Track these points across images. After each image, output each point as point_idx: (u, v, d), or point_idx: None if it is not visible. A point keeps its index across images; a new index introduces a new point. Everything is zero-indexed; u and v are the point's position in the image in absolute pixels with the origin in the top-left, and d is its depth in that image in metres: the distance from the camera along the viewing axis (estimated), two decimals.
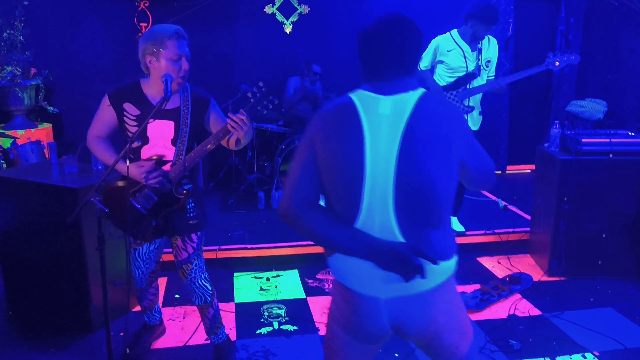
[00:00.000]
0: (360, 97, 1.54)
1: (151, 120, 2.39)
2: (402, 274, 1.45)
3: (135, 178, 2.40)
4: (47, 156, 4.50)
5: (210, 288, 2.69)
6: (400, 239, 1.49)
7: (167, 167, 2.44)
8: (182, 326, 3.20)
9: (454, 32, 4.10)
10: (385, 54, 1.53)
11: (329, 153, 1.50)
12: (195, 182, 2.58)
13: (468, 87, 4.01)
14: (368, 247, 1.47)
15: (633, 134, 3.78)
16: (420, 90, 1.53)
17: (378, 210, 1.48)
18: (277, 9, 6.15)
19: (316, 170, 1.54)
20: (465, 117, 4.09)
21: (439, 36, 4.15)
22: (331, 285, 3.75)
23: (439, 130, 1.48)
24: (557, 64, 3.85)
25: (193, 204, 2.57)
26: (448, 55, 4.10)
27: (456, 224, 4.47)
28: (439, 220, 1.52)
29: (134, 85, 2.49)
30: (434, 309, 1.55)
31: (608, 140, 3.64)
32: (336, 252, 1.57)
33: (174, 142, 2.45)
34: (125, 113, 2.45)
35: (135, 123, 2.43)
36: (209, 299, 2.70)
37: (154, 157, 2.44)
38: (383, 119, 1.48)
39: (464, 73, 4.04)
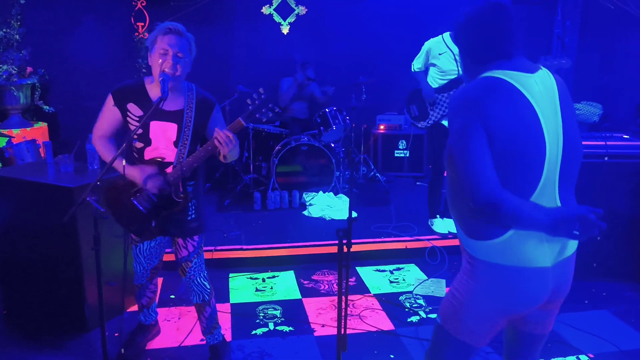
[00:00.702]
0: (511, 77, 1.56)
1: (151, 120, 2.38)
2: (572, 236, 1.47)
3: (134, 180, 2.39)
4: (42, 155, 4.49)
5: (208, 287, 2.69)
6: (559, 205, 1.61)
7: (169, 169, 2.44)
8: (177, 327, 3.19)
9: (446, 35, 4.12)
10: (511, 32, 1.62)
11: (507, 134, 1.49)
12: (197, 181, 2.58)
13: None
14: (553, 219, 1.46)
15: (628, 137, 3.79)
16: (544, 68, 1.65)
17: (550, 183, 1.58)
18: (274, 9, 6.15)
19: (490, 153, 1.50)
20: None
21: (431, 39, 4.16)
22: (327, 286, 3.74)
23: (571, 103, 1.65)
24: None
25: (195, 205, 2.57)
26: (439, 58, 4.11)
27: (439, 225, 4.48)
28: (575, 185, 1.69)
29: (139, 84, 2.47)
30: (573, 268, 1.73)
31: (603, 143, 3.65)
32: (512, 233, 1.55)
33: (176, 144, 2.43)
34: (129, 113, 2.44)
35: (139, 124, 2.42)
36: (207, 298, 2.70)
37: (158, 159, 2.43)
38: (542, 96, 1.56)
39: (456, 76, 4.05)
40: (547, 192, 1.58)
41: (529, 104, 1.53)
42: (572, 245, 1.68)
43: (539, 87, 1.57)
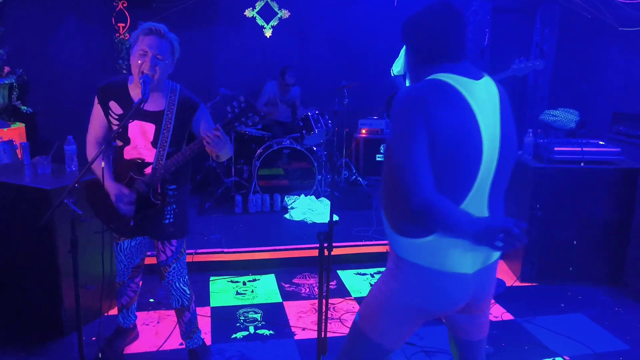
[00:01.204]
0: (457, 81, 1.54)
1: (130, 120, 2.36)
2: (494, 247, 1.45)
3: (109, 192, 2.38)
4: (20, 156, 4.41)
5: (188, 292, 2.68)
6: (487, 214, 1.61)
7: (148, 170, 2.42)
8: (156, 331, 3.16)
9: None
10: (460, 36, 1.60)
11: (448, 138, 1.48)
12: (180, 186, 2.56)
13: None
14: (478, 229, 1.43)
15: (604, 143, 3.87)
16: (488, 76, 1.66)
17: (481, 191, 1.58)
18: (257, 12, 6.15)
19: (429, 156, 1.49)
20: None
21: None
22: (308, 290, 3.75)
23: (511, 114, 1.65)
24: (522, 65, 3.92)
25: (175, 210, 2.54)
26: None
27: None
28: (504, 196, 1.70)
29: (122, 83, 2.45)
30: (495, 275, 1.75)
31: (580, 149, 3.72)
32: (437, 236, 1.55)
33: (154, 144, 2.42)
34: (110, 112, 2.42)
35: (118, 123, 2.40)
36: (186, 303, 2.68)
37: (138, 160, 2.41)
38: (484, 103, 1.56)
39: None
40: (478, 201, 1.58)
41: (471, 110, 1.52)
42: (496, 254, 1.69)
43: (483, 95, 1.57)
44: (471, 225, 1.44)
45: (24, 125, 5.43)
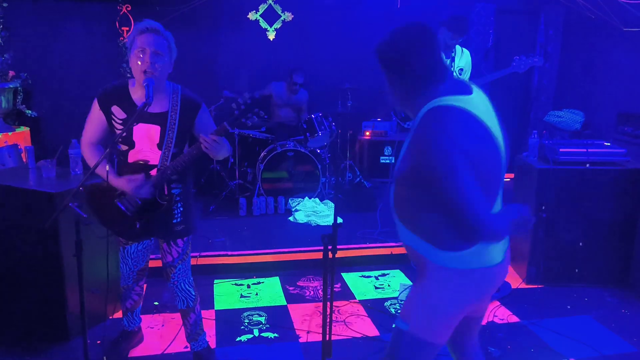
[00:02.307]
0: (462, 102, 1.60)
1: (135, 124, 2.36)
2: (523, 233, 1.66)
3: (123, 189, 2.38)
4: (24, 160, 4.42)
5: (193, 293, 2.68)
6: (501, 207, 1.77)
7: (153, 172, 2.42)
8: (160, 334, 3.16)
9: None
10: (440, 55, 1.66)
11: (479, 160, 1.58)
12: (186, 185, 2.56)
13: None
14: (514, 224, 1.62)
15: (609, 144, 3.85)
16: (474, 86, 1.73)
17: (501, 192, 1.74)
18: (260, 15, 6.16)
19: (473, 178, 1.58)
20: None
21: None
22: (312, 293, 3.74)
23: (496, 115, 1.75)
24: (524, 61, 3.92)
25: (181, 209, 2.55)
26: None
27: None
28: None
29: (122, 86, 2.44)
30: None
31: (585, 150, 3.71)
32: (480, 244, 1.68)
33: (159, 146, 2.41)
34: (113, 117, 2.41)
35: (122, 127, 2.40)
36: (192, 304, 2.68)
37: (141, 162, 2.41)
38: (487, 115, 1.66)
39: None
40: (499, 199, 1.76)
41: (486, 127, 1.63)
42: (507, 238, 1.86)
43: (482, 107, 1.65)
44: (510, 225, 1.62)
45: (28, 129, 5.45)
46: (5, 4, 5.27)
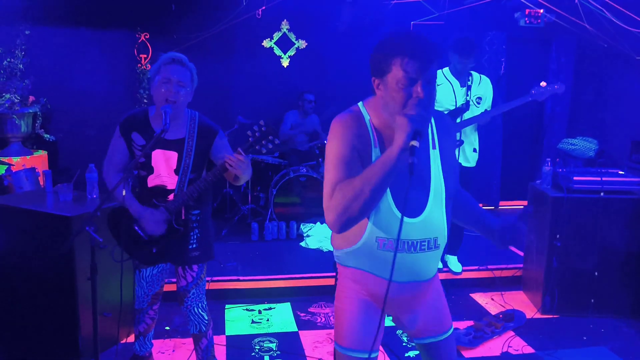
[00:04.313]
0: None
1: (153, 149, 2.42)
2: None
3: (136, 214, 2.43)
4: (42, 184, 4.50)
5: (206, 318, 2.68)
6: None
7: (170, 197, 2.46)
8: (171, 359, 3.15)
9: (445, 69, 4.20)
10: None
11: None
12: (203, 210, 2.59)
13: (457, 121, 4.07)
14: None
15: (623, 172, 3.83)
16: None
17: None
18: (275, 43, 6.27)
19: None
20: (456, 151, 4.14)
21: None
22: (324, 319, 3.72)
23: None
24: (543, 85, 3.93)
25: (198, 235, 2.57)
26: (437, 89, 4.17)
27: (455, 264, 4.44)
28: None
29: (143, 113, 2.53)
30: None
31: (599, 178, 3.68)
32: None
33: (177, 171, 2.47)
34: (133, 143, 2.49)
35: (141, 153, 2.46)
36: (204, 329, 2.68)
37: (160, 187, 2.47)
38: None
39: (454, 107, 4.12)
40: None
41: None
42: None
43: None
44: None
45: (46, 153, 5.54)
46: (27, 32, 5.43)
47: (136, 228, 2.45)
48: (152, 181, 2.47)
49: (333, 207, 1.56)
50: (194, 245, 2.56)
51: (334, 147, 1.68)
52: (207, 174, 2.42)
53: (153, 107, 2.52)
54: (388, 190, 1.64)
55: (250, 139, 2.37)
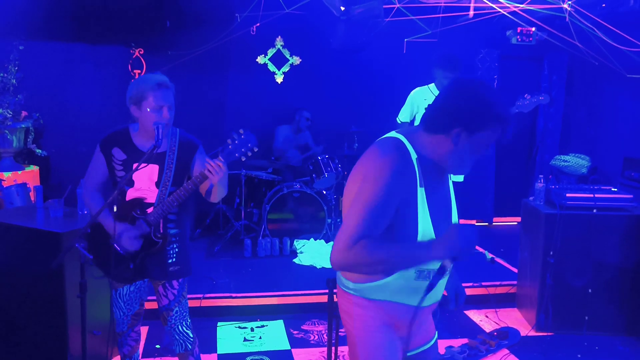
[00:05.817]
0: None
1: (145, 165, 2.41)
2: None
3: (110, 231, 2.42)
4: (32, 199, 4.46)
5: (192, 335, 2.63)
6: None
7: (149, 210, 2.45)
8: None
9: (431, 84, 4.22)
10: None
11: None
12: (182, 227, 2.57)
13: None
14: None
15: (616, 189, 3.84)
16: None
17: None
18: (269, 59, 6.30)
19: None
20: None
21: (416, 88, 4.26)
22: (317, 337, 3.68)
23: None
24: (527, 100, 3.95)
25: (177, 250, 2.55)
26: (425, 103, 4.18)
27: None
28: None
29: (124, 130, 2.54)
30: None
31: (592, 195, 3.69)
32: None
33: (157, 184, 2.47)
34: (113, 158, 2.48)
35: (122, 167, 2.46)
36: (190, 347, 2.63)
37: (139, 199, 2.45)
38: None
39: None
40: None
41: None
42: None
43: None
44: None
45: (38, 168, 5.51)
46: (21, 47, 5.43)
47: (115, 245, 2.43)
48: (131, 194, 2.47)
49: (347, 257, 1.55)
50: (173, 259, 2.54)
51: (372, 187, 1.57)
52: (187, 182, 2.42)
53: (135, 125, 2.52)
54: (429, 217, 1.67)
55: (229, 146, 2.39)
